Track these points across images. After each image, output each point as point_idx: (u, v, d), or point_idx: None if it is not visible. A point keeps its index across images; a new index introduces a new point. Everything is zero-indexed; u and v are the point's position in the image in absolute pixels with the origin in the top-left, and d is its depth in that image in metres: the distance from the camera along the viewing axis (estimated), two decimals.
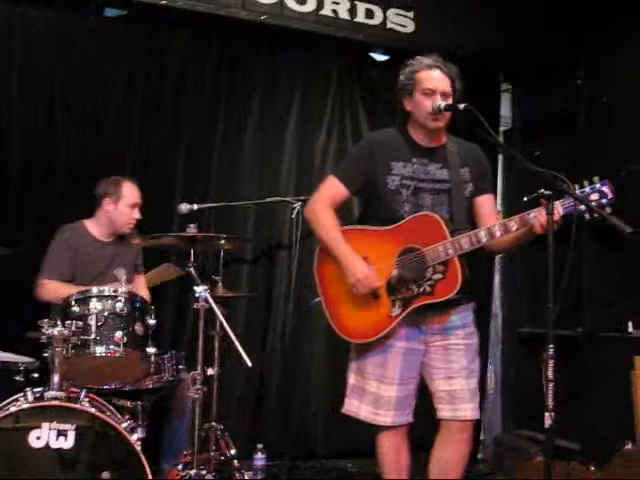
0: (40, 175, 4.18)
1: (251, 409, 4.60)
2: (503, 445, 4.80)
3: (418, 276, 2.83)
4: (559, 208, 2.64)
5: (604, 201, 2.64)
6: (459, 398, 2.90)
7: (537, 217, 2.67)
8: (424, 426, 2.99)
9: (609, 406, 4.15)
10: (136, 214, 3.84)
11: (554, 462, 2.50)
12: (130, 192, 3.84)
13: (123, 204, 3.80)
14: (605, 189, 2.64)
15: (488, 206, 3.05)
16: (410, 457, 3.06)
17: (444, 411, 2.93)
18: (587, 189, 2.66)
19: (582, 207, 2.63)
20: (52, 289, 3.59)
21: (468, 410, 2.91)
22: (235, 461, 3.61)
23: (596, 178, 2.66)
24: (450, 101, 2.88)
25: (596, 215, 2.61)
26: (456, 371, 2.90)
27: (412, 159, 2.93)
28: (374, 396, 2.94)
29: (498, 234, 2.78)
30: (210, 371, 3.39)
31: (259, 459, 4.12)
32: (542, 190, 2.54)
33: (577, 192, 2.64)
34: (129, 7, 4.32)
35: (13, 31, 4.15)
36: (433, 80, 2.89)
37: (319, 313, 3.11)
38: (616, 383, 4.04)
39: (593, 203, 2.63)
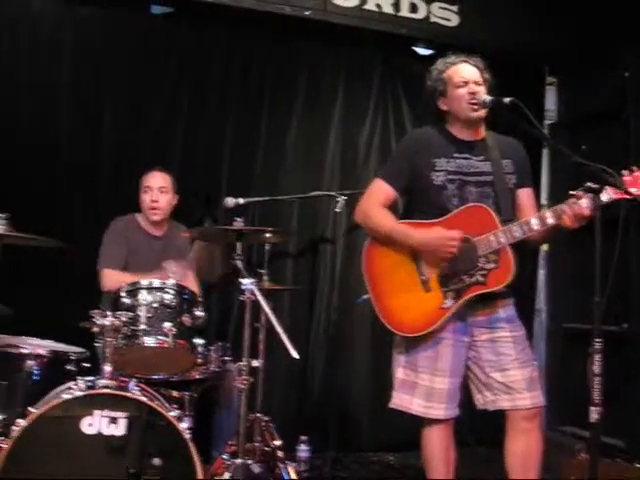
0: (89, 169, 4.28)
1: (295, 401, 4.63)
2: (547, 442, 4.74)
3: (470, 266, 2.82)
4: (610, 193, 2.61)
5: None
6: (515, 389, 2.86)
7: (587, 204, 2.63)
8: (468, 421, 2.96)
9: None
10: (151, 196, 3.85)
11: (599, 459, 2.46)
12: (145, 179, 3.90)
13: (142, 193, 3.89)
14: None
15: (529, 199, 3.05)
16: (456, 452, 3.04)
17: (503, 401, 2.89)
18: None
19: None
20: (115, 278, 3.62)
21: (527, 399, 2.86)
22: (279, 452, 3.62)
23: (635, 168, 2.63)
24: (483, 90, 2.91)
25: None
26: (508, 362, 2.87)
27: (454, 154, 2.94)
28: (426, 389, 2.91)
29: (550, 221, 2.74)
30: (255, 363, 3.42)
31: (303, 451, 4.14)
32: (589, 183, 2.52)
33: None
34: (175, 5, 4.40)
35: (63, 30, 4.26)
36: (462, 72, 2.96)
37: (364, 307, 3.12)
38: None
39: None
